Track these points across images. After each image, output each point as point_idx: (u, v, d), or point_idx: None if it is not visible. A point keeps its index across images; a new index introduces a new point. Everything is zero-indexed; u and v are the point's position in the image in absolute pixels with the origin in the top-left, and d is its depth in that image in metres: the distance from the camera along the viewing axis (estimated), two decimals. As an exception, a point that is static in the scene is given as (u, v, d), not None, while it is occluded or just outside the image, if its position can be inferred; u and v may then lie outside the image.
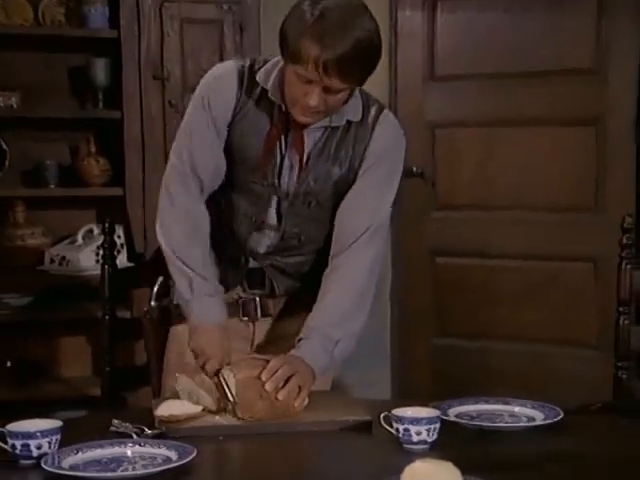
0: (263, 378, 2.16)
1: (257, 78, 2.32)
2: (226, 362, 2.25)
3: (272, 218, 2.41)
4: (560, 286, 4.63)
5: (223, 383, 2.17)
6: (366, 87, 3.91)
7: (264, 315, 2.49)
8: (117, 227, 3.57)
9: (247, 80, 2.33)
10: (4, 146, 4.02)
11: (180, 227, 2.38)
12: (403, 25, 4.61)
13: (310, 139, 2.33)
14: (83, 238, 3.97)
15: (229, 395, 2.16)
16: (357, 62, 2.13)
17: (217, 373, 2.23)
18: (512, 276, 4.73)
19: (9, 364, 3.94)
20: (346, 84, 2.17)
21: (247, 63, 2.37)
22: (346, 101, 2.27)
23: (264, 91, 2.31)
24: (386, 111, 2.42)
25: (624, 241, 2.67)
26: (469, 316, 4.78)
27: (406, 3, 4.67)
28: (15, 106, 3.88)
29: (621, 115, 4.51)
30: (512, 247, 4.70)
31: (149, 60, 3.83)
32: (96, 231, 3.89)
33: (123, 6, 3.82)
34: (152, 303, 2.55)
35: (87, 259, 3.82)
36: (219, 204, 2.44)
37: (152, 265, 2.68)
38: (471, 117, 4.74)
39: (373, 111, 2.38)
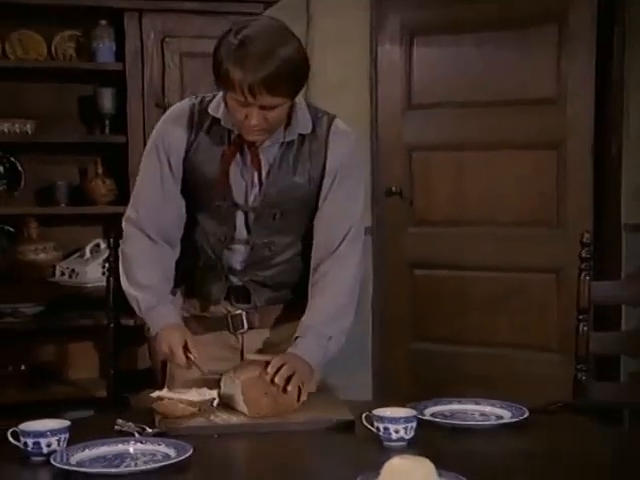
0: (269, 372, 2.16)
1: (209, 110, 2.32)
2: (189, 346, 2.29)
3: (241, 233, 2.39)
4: (526, 295, 4.64)
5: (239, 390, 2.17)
6: (350, 114, 3.94)
7: (250, 327, 2.46)
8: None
9: (197, 114, 2.34)
10: (19, 168, 4.02)
11: (126, 266, 2.43)
12: (383, 59, 4.62)
13: (269, 155, 2.32)
14: (90, 252, 3.96)
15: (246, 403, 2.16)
16: (280, 79, 2.13)
17: (187, 357, 2.28)
18: (483, 286, 4.74)
19: (23, 367, 3.91)
20: (278, 99, 2.16)
21: (198, 100, 2.38)
22: (290, 115, 2.28)
23: (215, 120, 2.32)
24: (336, 121, 2.40)
25: (583, 255, 2.68)
26: (444, 323, 4.78)
27: (385, 38, 4.69)
28: (30, 132, 3.88)
29: (579, 140, 4.53)
30: (482, 260, 4.71)
31: (152, 90, 3.83)
32: (102, 246, 3.88)
33: (128, 41, 3.82)
34: None
35: (94, 272, 3.82)
36: (190, 229, 2.44)
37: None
38: (445, 141, 4.76)
39: (324, 122, 2.37)
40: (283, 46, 2.14)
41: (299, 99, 2.32)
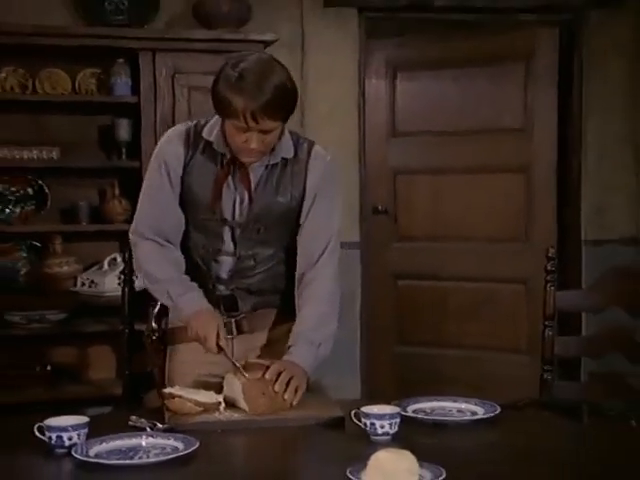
0: (267, 377, 2.15)
1: (203, 134, 2.33)
2: (221, 335, 2.26)
3: (227, 246, 2.38)
4: (497, 304, 4.65)
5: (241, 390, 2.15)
6: (340, 140, 3.95)
7: (239, 332, 2.44)
8: (136, 256, 3.56)
9: (193, 137, 2.34)
10: (46, 190, 4.01)
11: (151, 262, 2.40)
12: (370, 91, 4.63)
13: (255, 175, 2.33)
14: (108, 265, 3.95)
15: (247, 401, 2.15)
16: (278, 104, 2.15)
17: (219, 348, 2.24)
18: (459, 295, 4.74)
19: (48, 368, 3.90)
20: (275, 123, 2.18)
21: (193, 123, 2.38)
22: (279, 139, 2.29)
23: (208, 143, 2.32)
24: (316, 146, 2.40)
25: (548, 267, 2.68)
26: (425, 329, 4.78)
27: (372, 73, 4.70)
28: (55, 158, 3.88)
29: (544, 165, 4.55)
30: (459, 272, 4.71)
31: (163, 120, 3.83)
32: (119, 259, 3.87)
33: (143, 77, 3.82)
34: (153, 325, 2.49)
35: (111, 282, 3.81)
36: (182, 241, 2.43)
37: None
38: (425, 166, 4.77)
39: (304, 148, 2.37)
40: (276, 75, 2.17)
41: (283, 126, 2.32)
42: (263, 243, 2.39)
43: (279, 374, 2.17)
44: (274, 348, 2.38)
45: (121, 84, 3.87)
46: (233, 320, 2.43)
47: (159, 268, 2.38)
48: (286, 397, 2.15)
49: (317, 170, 2.37)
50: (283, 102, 2.17)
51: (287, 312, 2.41)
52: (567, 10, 4.45)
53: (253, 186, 2.32)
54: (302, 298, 2.36)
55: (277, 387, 2.14)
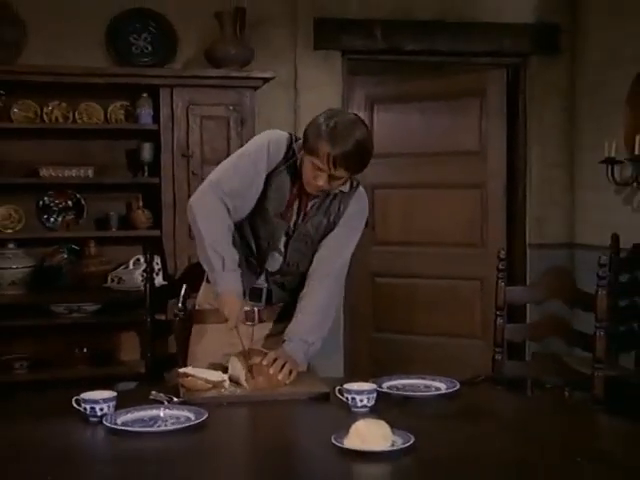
0: (265, 363, 2.13)
1: (294, 147, 2.24)
2: (240, 319, 2.20)
3: (281, 246, 2.30)
4: (458, 297, 4.65)
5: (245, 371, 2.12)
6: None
7: (261, 321, 2.38)
8: (156, 257, 3.54)
9: (287, 147, 2.25)
10: (83, 202, 4.00)
11: (216, 215, 2.20)
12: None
13: (312, 198, 2.27)
14: (133, 264, 3.93)
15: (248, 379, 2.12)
16: (357, 158, 2.11)
17: (235, 326, 2.18)
18: (427, 290, 4.74)
19: (85, 350, 3.88)
20: (348, 173, 2.14)
21: (293, 136, 2.26)
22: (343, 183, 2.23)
23: (294, 159, 2.23)
24: (361, 187, 2.35)
25: (499, 267, 2.67)
26: (397, 318, 4.78)
27: (354, 106, 4.70)
28: (90, 176, 3.86)
29: (496, 183, 4.56)
30: (426, 271, 4.71)
31: (179, 144, 3.82)
32: (142, 260, 3.85)
33: (162, 109, 3.80)
34: (180, 305, 2.42)
35: (135, 279, 3.78)
36: (244, 231, 2.30)
37: (180, 283, 2.64)
38: (398, 182, 4.77)
39: (354, 184, 2.31)
40: (360, 132, 2.11)
41: None
42: (305, 254, 2.32)
43: (275, 360, 2.15)
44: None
45: (145, 114, 3.85)
46: (256, 309, 2.35)
47: (221, 232, 2.20)
48: (280, 377, 2.13)
49: (356, 205, 2.31)
50: (361, 157, 2.12)
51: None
52: (514, 55, 4.45)
53: (309, 207, 2.27)
54: (301, 304, 2.29)
55: (272, 370, 2.13)
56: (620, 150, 3.88)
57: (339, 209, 2.30)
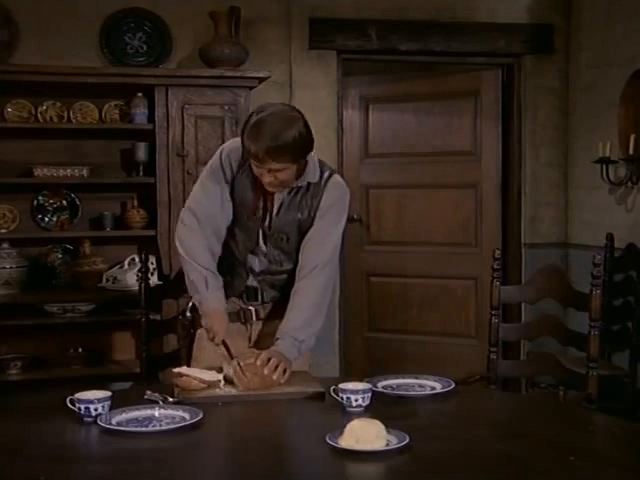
0: (259, 363, 2.13)
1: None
2: (225, 336, 2.26)
3: (261, 247, 2.36)
4: (453, 296, 4.65)
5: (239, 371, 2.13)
6: (327, 158, 3.91)
7: (257, 319, 2.43)
8: (151, 257, 3.49)
9: (242, 152, 2.27)
10: (77, 202, 3.99)
11: (195, 242, 2.31)
12: (346, 120, 4.62)
13: (281, 196, 2.30)
14: (128, 264, 3.91)
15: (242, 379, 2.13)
16: (281, 150, 2.11)
17: (223, 342, 2.24)
18: (420, 290, 4.74)
19: (80, 350, 3.87)
20: (280, 165, 2.15)
21: None
22: (301, 173, 2.25)
23: (249, 161, 2.27)
24: (335, 175, 2.37)
25: (494, 266, 2.67)
26: (391, 317, 4.77)
27: (348, 106, 4.70)
28: (85, 175, 3.84)
29: (490, 182, 4.56)
30: (420, 270, 4.71)
31: (174, 144, 3.80)
32: (137, 260, 3.84)
33: (157, 108, 3.79)
34: (187, 314, 2.46)
35: (131, 279, 3.77)
36: (227, 239, 2.38)
37: (175, 283, 2.65)
38: (392, 182, 4.77)
39: (326, 175, 2.33)
40: (287, 125, 2.13)
41: (313, 155, 2.29)
42: (286, 250, 2.36)
43: (269, 359, 2.15)
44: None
45: (140, 114, 3.84)
46: (254, 308, 2.41)
47: (201, 255, 2.30)
48: (274, 377, 2.13)
49: (331, 195, 2.32)
50: (287, 147, 2.12)
51: None
52: (508, 55, 4.46)
53: (277, 205, 2.30)
54: (293, 301, 2.31)
55: (266, 370, 2.13)
56: (614, 150, 3.89)
57: (312, 202, 2.31)
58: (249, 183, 2.29)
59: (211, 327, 2.27)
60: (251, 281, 2.39)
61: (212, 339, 2.26)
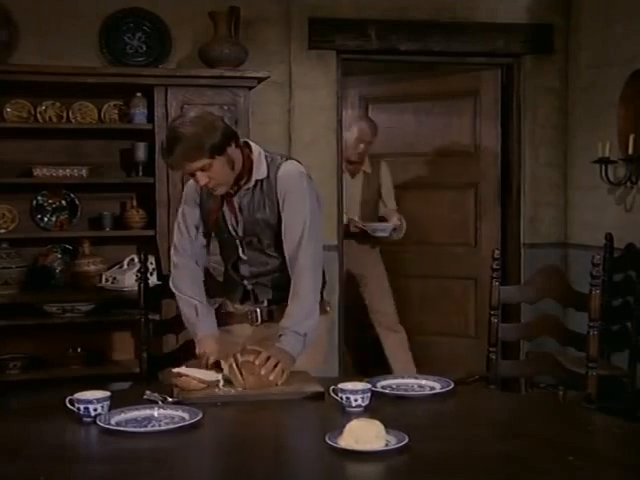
0: (257, 363, 2.13)
1: None
2: (217, 358, 2.31)
3: (242, 254, 2.44)
4: (453, 296, 4.65)
5: (235, 370, 2.15)
6: (322, 161, 3.89)
7: (262, 321, 2.47)
8: (150, 257, 3.51)
9: None
10: (77, 202, 3.98)
11: (182, 277, 2.47)
12: (346, 121, 4.62)
13: (242, 200, 2.36)
14: (127, 265, 3.91)
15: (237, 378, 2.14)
16: (187, 148, 2.17)
17: (216, 364, 2.28)
18: (420, 289, 4.74)
19: (79, 350, 3.87)
20: (199, 162, 2.20)
21: None
22: (251, 167, 2.32)
23: None
24: (285, 163, 2.37)
25: (493, 266, 2.67)
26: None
27: (348, 106, 4.71)
28: (85, 175, 3.84)
29: (490, 182, 4.56)
30: (420, 270, 4.72)
31: (174, 144, 3.80)
32: (136, 260, 3.82)
33: (157, 108, 3.78)
34: None
35: (130, 279, 3.76)
36: (220, 251, 2.53)
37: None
38: (392, 181, 4.75)
39: (275, 166, 2.35)
40: (186, 127, 2.20)
41: (258, 153, 2.34)
42: (261, 251, 2.42)
43: (267, 359, 2.16)
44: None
45: (139, 114, 3.83)
46: (258, 310, 2.46)
47: (189, 285, 2.46)
48: (272, 378, 2.14)
49: (283, 184, 2.34)
50: (184, 149, 2.17)
51: None
52: (507, 55, 4.46)
53: (238, 208, 2.37)
54: (290, 297, 2.32)
55: (263, 370, 2.13)
56: (614, 150, 3.89)
57: (270, 198, 2.34)
58: (211, 199, 2.39)
59: (203, 353, 2.34)
60: (247, 286, 2.47)
61: (205, 364, 2.30)
